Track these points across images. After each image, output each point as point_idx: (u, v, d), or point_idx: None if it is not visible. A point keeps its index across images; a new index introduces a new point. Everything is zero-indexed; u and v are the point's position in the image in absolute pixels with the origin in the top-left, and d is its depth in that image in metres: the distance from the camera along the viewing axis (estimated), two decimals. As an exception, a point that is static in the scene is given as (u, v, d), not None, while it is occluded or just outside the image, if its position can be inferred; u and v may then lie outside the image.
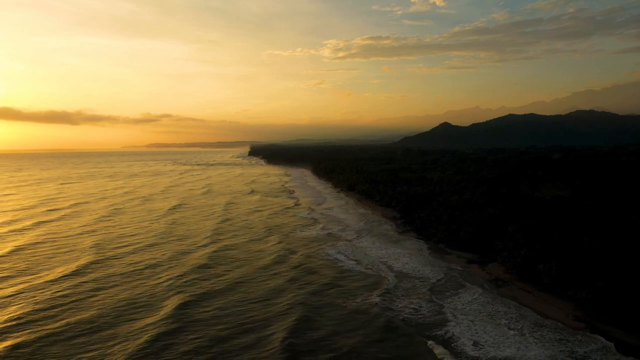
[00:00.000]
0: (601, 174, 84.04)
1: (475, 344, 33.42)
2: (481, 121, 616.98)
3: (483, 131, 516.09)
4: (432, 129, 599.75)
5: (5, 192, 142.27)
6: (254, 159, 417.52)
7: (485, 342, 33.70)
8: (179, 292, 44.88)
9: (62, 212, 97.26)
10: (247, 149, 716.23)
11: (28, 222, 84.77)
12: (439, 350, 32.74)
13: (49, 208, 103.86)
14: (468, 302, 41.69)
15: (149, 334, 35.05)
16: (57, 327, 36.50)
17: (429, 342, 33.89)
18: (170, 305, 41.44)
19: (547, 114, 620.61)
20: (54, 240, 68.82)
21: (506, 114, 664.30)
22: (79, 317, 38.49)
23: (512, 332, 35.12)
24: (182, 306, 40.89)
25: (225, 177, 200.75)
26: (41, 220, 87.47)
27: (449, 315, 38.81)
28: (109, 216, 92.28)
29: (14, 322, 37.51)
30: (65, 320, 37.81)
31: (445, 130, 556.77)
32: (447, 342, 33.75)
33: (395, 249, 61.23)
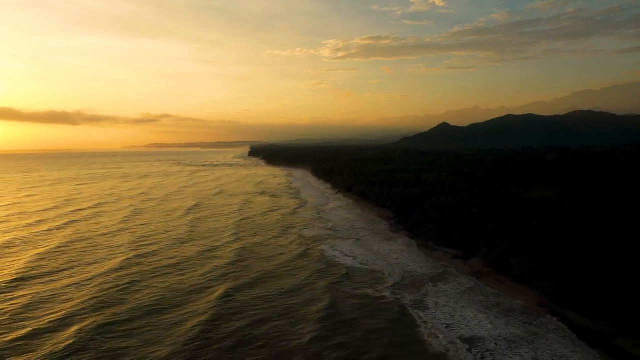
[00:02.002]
0: (598, 174, 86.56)
1: (448, 326, 39.79)
2: (480, 121, 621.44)
3: (482, 131, 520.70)
4: (432, 129, 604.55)
5: (26, 193, 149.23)
6: (255, 160, 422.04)
7: (459, 325, 40.04)
8: (216, 284, 51.14)
9: (87, 212, 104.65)
10: (247, 149, 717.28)
11: (58, 222, 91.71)
12: (416, 330, 39.73)
13: (73, 208, 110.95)
14: (449, 292, 48.10)
15: (198, 319, 41.17)
16: (114, 313, 42.13)
17: (410, 321, 41.28)
18: (210, 294, 47.90)
19: (547, 114, 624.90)
20: (88, 239, 75.73)
21: (505, 114, 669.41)
22: (128, 306, 43.99)
23: (483, 316, 41.19)
24: (222, 295, 47.01)
25: (234, 178, 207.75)
26: (70, 220, 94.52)
27: (430, 304, 45.01)
28: (132, 216, 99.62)
29: (69, 312, 42.82)
30: (118, 308, 43.60)
31: (444, 131, 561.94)
32: (425, 326, 40.24)
33: (389, 246, 68.84)
